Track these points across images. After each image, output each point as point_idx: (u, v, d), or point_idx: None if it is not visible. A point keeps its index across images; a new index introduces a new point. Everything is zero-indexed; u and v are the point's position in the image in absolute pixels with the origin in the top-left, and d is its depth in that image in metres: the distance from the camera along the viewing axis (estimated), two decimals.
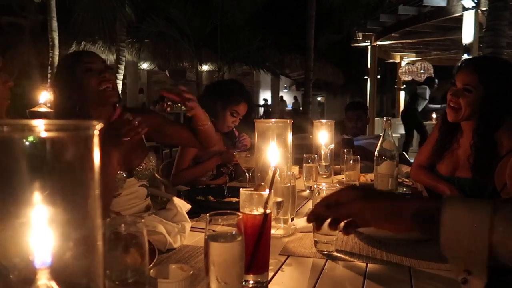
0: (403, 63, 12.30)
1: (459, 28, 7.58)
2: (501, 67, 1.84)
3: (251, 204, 0.85)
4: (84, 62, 1.57)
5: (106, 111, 1.64)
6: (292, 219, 1.34)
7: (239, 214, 0.77)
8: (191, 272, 0.77)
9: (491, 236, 0.63)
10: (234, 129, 2.57)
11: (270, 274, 0.92)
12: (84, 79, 1.55)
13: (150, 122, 1.79)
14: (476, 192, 1.80)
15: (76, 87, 1.56)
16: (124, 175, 1.63)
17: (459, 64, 1.96)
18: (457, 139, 1.94)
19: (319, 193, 1.08)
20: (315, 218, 0.84)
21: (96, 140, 0.36)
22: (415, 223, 0.74)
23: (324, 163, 2.13)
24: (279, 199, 1.21)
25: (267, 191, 0.86)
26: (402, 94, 13.63)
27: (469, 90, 1.75)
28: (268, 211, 0.83)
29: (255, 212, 0.84)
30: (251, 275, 0.83)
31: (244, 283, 0.81)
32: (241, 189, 0.89)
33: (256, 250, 0.81)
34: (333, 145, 2.17)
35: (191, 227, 1.20)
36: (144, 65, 12.39)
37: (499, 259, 0.65)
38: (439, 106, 7.99)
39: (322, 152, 2.13)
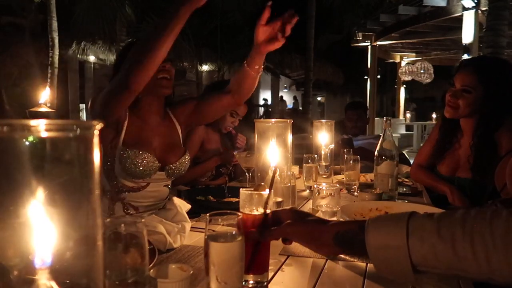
0: (403, 63, 12.32)
1: (459, 28, 7.59)
2: (500, 67, 1.84)
3: (251, 204, 0.85)
4: None
5: (157, 102, 1.65)
6: None
7: (239, 214, 0.77)
8: (191, 272, 0.77)
9: (411, 258, 0.70)
10: (231, 129, 2.57)
11: (270, 274, 0.92)
12: None
13: (190, 106, 1.78)
14: (476, 192, 1.81)
15: None
16: (159, 165, 1.58)
17: (458, 64, 1.97)
18: (457, 139, 1.95)
19: (319, 193, 1.08)
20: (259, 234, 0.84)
21: (96, 140, 0.36)
22: (338, 246, 0.80)
23: (324, 163, 2.12)
24: (279, 199, 1.21)
25: (267, 191, 0.86)
26: (402, 94, 13.63)
27: (468, 91, 1.76)
28: (268, 211, 0.83)
29: (255, 212, 0.84)
30: (251, 275, 0.83)
31: (244, 283, 0.81)
32: (241, 189, 0.89)
33: (256, 250, 0.81)
34: (333, 145, 2.17)
35: (191, 227, 1.20)
36: None
37: (425, 273, 0.72)
38: None
39: (322, 152, 2.13)
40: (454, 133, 1.95)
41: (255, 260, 0.82)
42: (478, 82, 1.75)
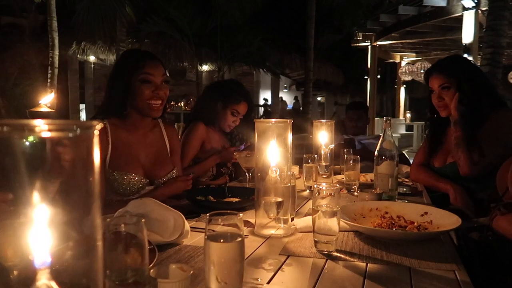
0: (403, 63, 12.31)
1: (459, 28, 7.58)
2: (459, 59, 2.13)
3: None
4: (144, 73, 1.60)
5: (147, 121, 1.72)
6: (292, 219, 1.34)
7: (239, 214, 0.77)
8: (191, 272, 0.77)
9: None
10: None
11: (270, 274, 0.92)
12: (139, 88, 1.59)
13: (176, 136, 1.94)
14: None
15: (130, 92, 1.60)
16: (147, 181, 1.67)
17: (425, 72, 2.17)
18: (446, 134, 2.08)
19: (319, 193, 1.07)
20: None
21: (96, 140, 0.36)
22: None
23: (324, 163, 2.12)
24: (279, 199, 1.21)
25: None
26: (402, 94, 13.62)
27: (447, 87, 1.97)
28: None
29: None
30: None
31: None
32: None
33: None
34: (333, 145, 2.17)
35: (191, 227, 1.20)
36: None
37: None
38: None
39: (322, 152, 2.13)
40: (443, 130, 2.10)
41: None
42: (449, 77, 1.96)
